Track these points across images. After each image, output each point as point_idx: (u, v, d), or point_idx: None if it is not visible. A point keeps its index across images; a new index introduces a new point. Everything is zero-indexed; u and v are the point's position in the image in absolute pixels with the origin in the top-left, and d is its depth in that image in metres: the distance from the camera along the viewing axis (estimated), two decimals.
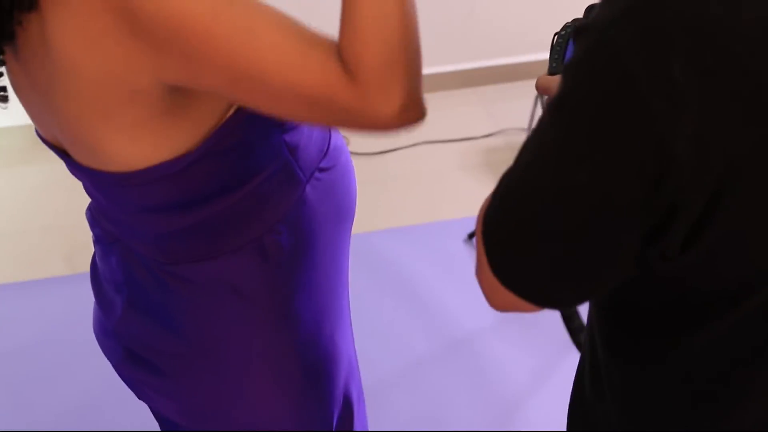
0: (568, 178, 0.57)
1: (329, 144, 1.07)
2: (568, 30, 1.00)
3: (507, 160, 2.99)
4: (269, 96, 0.76)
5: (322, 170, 1.05)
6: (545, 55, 3.39)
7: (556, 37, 1.01)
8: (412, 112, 0.76)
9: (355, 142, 3.14)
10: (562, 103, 0.57)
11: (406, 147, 3.08)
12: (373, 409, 2.05)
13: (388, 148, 3.07)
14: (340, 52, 0.73)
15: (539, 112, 2.89)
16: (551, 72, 0.99)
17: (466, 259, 2.54)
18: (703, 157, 0.51)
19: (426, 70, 3.45)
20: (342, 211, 1.11)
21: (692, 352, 0.68)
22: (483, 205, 0.69)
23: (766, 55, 0.49)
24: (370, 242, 2.61)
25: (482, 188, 2.86)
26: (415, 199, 2.83)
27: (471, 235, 2.61)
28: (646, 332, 0.72)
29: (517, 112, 3.20)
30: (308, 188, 1.02)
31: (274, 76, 0.74)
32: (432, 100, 3.42)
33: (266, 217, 0.99)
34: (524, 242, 0.62)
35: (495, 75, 3.45)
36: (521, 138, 3.09)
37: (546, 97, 0.91)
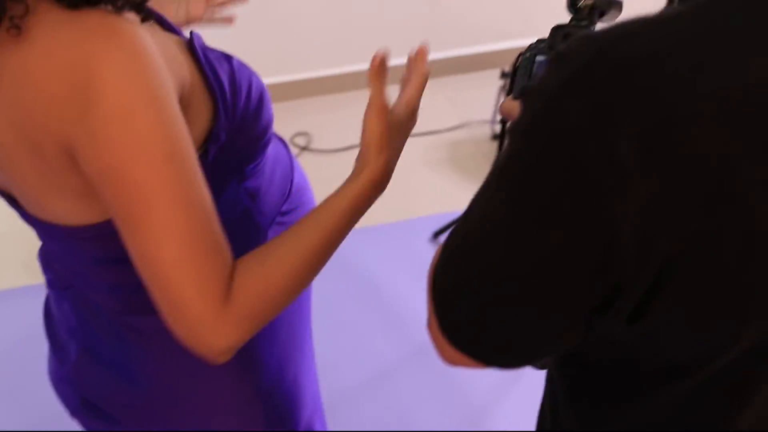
0: (516, 251, 0.56)
1: (291, 185, 1.04)
2: (532, 51, 0.99)
3: (472, 155, 2.97)
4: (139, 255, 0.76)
5: (284, 213, 1.02)
6: (509, 44, 3.37)
7: (520, 57, 0.99)
8: (229, 354, 0.80)
9: (316, 139, 3.09)
10: (510, 171, 0.57)
11: None
12: (339, 416, 2.03)
13: (351, 144, 3.03)
14: (235, 274, 0.77)
15: None
16: (516, 94, 0.97)
17: (431, 248, 2.52)
18: (648, 241, 0.51)
19: (391, 61, 3.40)
20: None
21: (644, 411, 0.68)
22: (434, 259, 0.68)
23: (718, 136, 0.48)
24: None
25: (447, 184, 2.83)
26: (380, 198, 2.79)
27: (437, 234, 2.59)
28: (601, 383, 0.71)
29: (481, 103, 3.17)
30: (270, 233, 0.99)
31: (155, 255, 0.74)
32: (394, 93, 3.38)
33: None
34: (472, 308, 0.62)
35: (458, 65, 3.42)
36: (486, 130, 3.07)
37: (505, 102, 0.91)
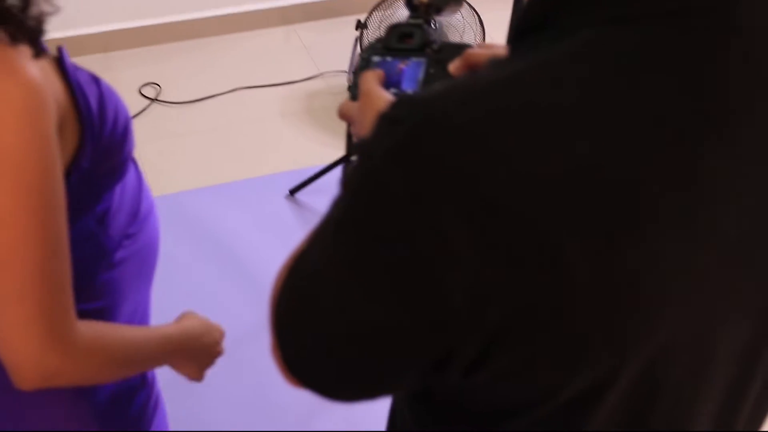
0: (349, 315, 0.57)
1: (139, 207, 0.98)
2: (369, 52, 0.96)
3: (328, 107, 2.91)
4: None
5: (130, 236, 0.96)
6: None
7: (360, 57, 0.96)
8: (51, 380, 0.79)
9: (166, 90, 2.95)
10: (344, 232, 0.57)
11: (223, 93, 2.94)
12: (194, 389, 1.99)
13: (204, 95, 2.91)
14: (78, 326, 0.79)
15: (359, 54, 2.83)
16: (353, 96, 0.94)
17: (290, 217, 2.48)
18: (479, 309, 0.51)
19: (243, 7, 3.28)
20: (148, 267, 1.04)
21: None
22: (277, 282, 0.67)
23: (540, 215, 0.49)
24: (183, 203, 2.48)
25: (303, 139, 2.78)
26: (234, 153, 2.71)
27: (292, 192, 2.54)
28: (446, 417, 0.72)
29: (337, 52, 3.11)
30: (116, 256, 0.94)
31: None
32: (249, 40, 3.26)
33: None
34: (311, 349, 0.62)
35: (313, 12, 3.33)
36: (342, 80, 3.02)
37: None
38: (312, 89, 3.00)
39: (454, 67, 0.88)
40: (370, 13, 2.79)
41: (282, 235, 2.39)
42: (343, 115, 0.90)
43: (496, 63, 0.57)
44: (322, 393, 0.65)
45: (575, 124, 0.50)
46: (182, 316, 1.09)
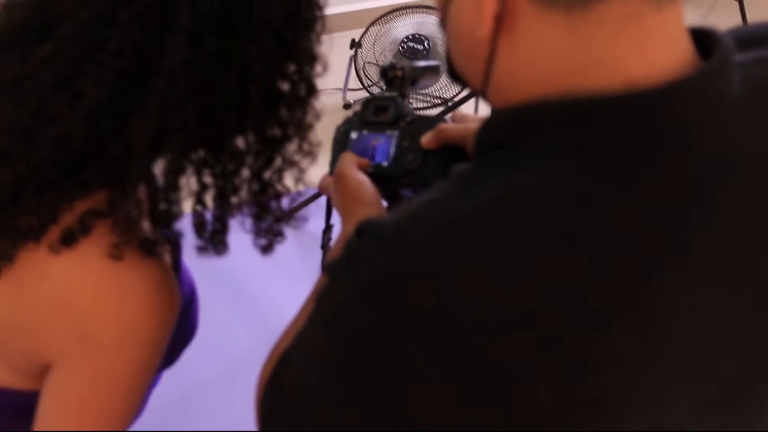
0: (327, 421, 0.61)
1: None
2: (346, 126, 1.01)
3: (323, 126, 2.89)
4: None
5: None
6: (356, 7, 3.31)
7: (336, 131, 0.99)
8: None
9: None
10: (320, 357, 0.61)
11: None
12: (192, 413, 1.98)
13: None
14: None
15: (354, 74, 2.83)
16: (332, 172, 0.97)
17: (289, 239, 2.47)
18: (447, 427, 0.55)
19: None
20: None
21: None
22: (264, 371, 0.74)
23: (499, 344, 0.53)
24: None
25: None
26: None
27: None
28: None
29: (331, 70, 3.09)
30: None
31: None
32: None
33: None
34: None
35: None
36: (337, 99, 3.02)
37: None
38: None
39: (426, 140, 0.91)
40: (365, 32, 2.80)
41: (276, 256, 2.38)
42: (322, 189, 0.95)
43: (460, 183, 0.61)
44: None
45: (535, 255, 0.54)
46: None
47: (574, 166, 0.56)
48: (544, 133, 0.58)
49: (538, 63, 0.58)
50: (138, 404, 0.83)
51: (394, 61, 0.86)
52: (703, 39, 0.61)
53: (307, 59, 0.83)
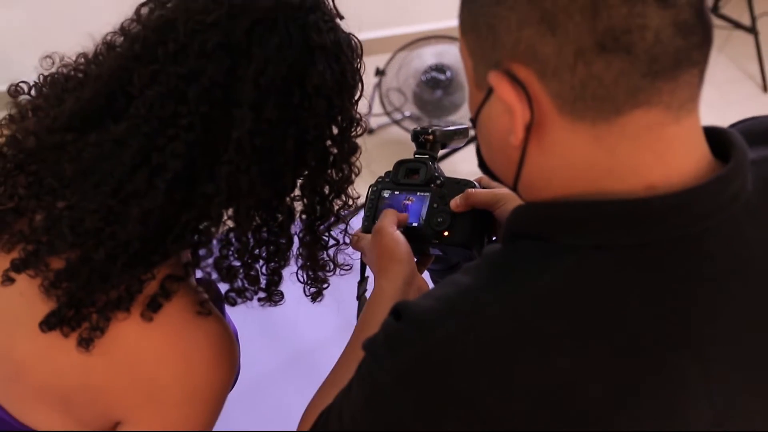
0: None
1: None
2: (379, 186, 1.06)
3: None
4: None
5: None
6: (382, 33, 3.36)
7: (370, 189, 1.03)
8: None
9: None
10: (359, 423, 0.67)
11: None
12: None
13: None
14: None
15: (377, 100, 2.89)
16: (365, 229, 1.02)
17: None
18: None
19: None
20: None
21: None
22: (305, 421, 0.86)
23: (526, 419, 0.59)
24: None
25: None
26: None
27: None
28: None
29: None
30: None
31: None
32: None
33: None
34: None
35: None
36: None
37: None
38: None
39: (455, 204, 0.97)
40: (390, 60, 2.86)
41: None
42: (355, 245, 0.99)
43: (492, 271, 0.66)
44: None
45: (562, 347, 0.59)
46: None
47: (600, 262, 0.62)
48: (572, 230, 0.64)
49: (567, 167, 0.64)
50: None
51: (426, 125, 0.90)
52: (718, 138, 0.67)
53: (351, 122, 0.88)
